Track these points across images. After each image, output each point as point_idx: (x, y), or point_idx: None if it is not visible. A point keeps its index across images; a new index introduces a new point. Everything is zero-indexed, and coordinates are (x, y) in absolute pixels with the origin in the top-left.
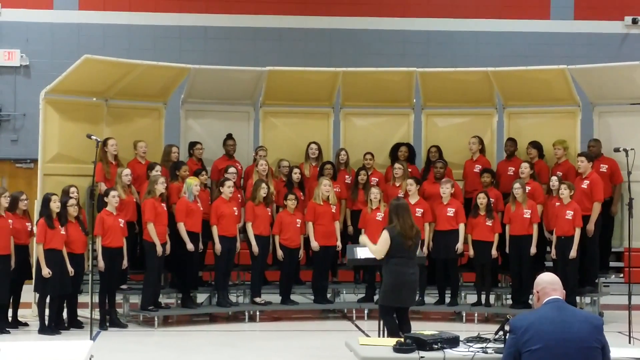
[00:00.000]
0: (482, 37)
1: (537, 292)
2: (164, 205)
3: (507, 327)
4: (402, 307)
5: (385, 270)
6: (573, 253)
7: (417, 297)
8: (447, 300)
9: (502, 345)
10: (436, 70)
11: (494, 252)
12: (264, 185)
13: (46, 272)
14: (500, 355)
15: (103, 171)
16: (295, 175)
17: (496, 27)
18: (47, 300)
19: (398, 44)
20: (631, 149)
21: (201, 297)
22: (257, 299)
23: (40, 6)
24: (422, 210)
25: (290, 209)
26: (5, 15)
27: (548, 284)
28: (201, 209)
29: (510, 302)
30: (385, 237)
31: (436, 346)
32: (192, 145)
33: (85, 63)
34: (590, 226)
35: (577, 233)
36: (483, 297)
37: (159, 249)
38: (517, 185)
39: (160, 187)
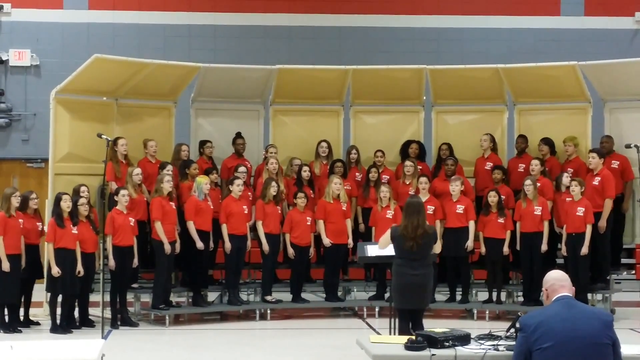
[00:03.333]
0: (492, 34)
1: (546, 289)
2: (172, 203)
3: (517, 325)
4: (414, 309)
5: (392, 271)
6: (585, 250)
7: (427, 300)
8: (458, 297)
9: (513, 343)
10: (446, 68)
11: (505, 249)
12: (273, 183)
13: (55, 271)
14: (512, 353)
15: (114, 170)
16: (305, 173)
17: (506, 23)
18: (59, 299)
19: (408, 41)
20: None
21: (212, 296)
22: (268, 297)
23: (50, 6)
24: (433, 208)
25: (300, 207)
26: (16, 15)
27: (557, 281)
28: (211, 207)
29: (521, 299)
30: (386, 235)
31: (447, 344)
32: (203, 143)
33: (95, 62)
34: (602, 223)
35: (589, 230)
36: (494, 294)
37: (167, 248)
38: (528, 182)
39: (167, 186)
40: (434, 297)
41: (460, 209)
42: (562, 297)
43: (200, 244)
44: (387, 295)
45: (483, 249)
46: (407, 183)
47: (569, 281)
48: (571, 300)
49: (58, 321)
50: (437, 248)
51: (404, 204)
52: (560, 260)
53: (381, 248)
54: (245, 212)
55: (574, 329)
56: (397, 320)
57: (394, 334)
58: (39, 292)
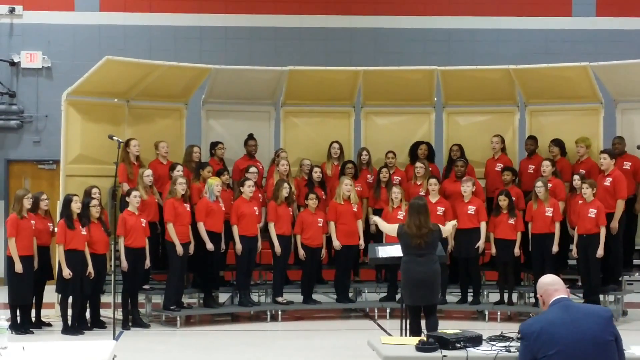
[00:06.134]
0: (504, 35)
1: (540, 296)
2: (186, 205)
3: (519, 333)
4: (425, 305)
5: (400, 269)
6: (600, 252)
7: (436, 295)
8: (470, 299)
9: None
10: (457, 69)
11: (516, 250)
12: (285, 185)
13: (66, 273)
14: None
15: (126, 171)
16: (316, 175)
17: (517, 24)
18: (70, 300)
19: (419, 42)
20: None
21: (223, 297)
22: (279, 299)
23: (62, 8)
24: (443, 209)
25: (312, 209)
26: (27, 17)
27: (549, 285)
28: (223, 209)
29: (533, 300)
30: (393, 226)
31: (459, 345)
32: (214, 145)
33: (107, 64)
34: (614, 224)
35: (602, 231)
36: (506, 295)
37: (179, 249)
38: (539, 183)
39: (179, 188)
40: (445, 298)
41: (471, 209)
42: (558, 299)
43: (210, 245)
44: (398, 296)
45: (494, 250)
46: (418, 184)
47: (562, 283)
48: (568, 302)
49: (69, 322)
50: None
51: None
52: (572, 262)
53: (384, 229)
54: (256, 213)
55: (577, 331)
56: (408, 318)
57: (405, 335)
58: (51, 293)
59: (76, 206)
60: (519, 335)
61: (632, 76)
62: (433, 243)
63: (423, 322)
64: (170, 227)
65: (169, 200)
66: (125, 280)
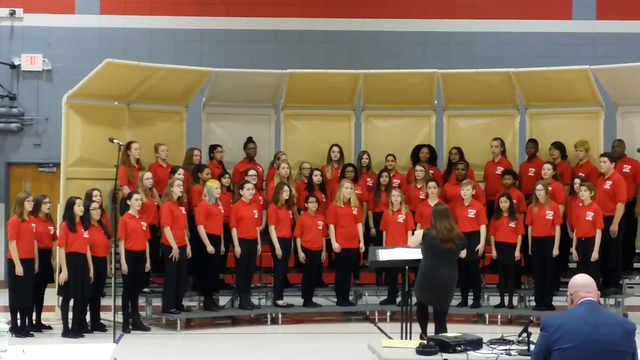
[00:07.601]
0: (504, 38)
1: (570, 294)
2: (182, 208)
3: (541, 324)
4: (435, 309)
5: (418, 270)
6: (595, 255)
7: (449, 302)
8: (470, 302)
9: (525, 347)
10: (457, 72)
11: (517, 253)
12: (286, 187)
13: (64, 277)
14: (523, 357)
15: (127, 174)
16: (316, 178)
17: (518, 27)
18: (70, 303)
19: (419, 45)
20: None
21: (223, 300)
22: (279, 302)
23: (62, 11)
24: None
25: (312, 212)
26: (28, 20)
27: (581, 287)
28: (222, 211)
29: (533, 303)
30: (417, 236)
31: (459, 348)
32: (213, 148)
33: (107, 67)
34: (614, 227)
35: (598, 234)
36: (506, 298)
37: (175, 252)
38: (539, 186)
39: (176, 190)
40: None
41: (471, 213)
42: (587, 301)
43: (210, 248)
44: (398, 299)
45: (494, 254)
46: (418, 187)
47: (594, 286)
48: (595, 305)
49: (70, 325)
50: (462, 253)
51: (416, 210)
52: (572, 265)
53: (412, 247)
54: (256, 216)
55: (595, 333)
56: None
57: (406, 338)
58: (51, 296)
59: (79, 209)
60: (541, 326)
61: (633, 79)
62: (460, 249)
63: (430, 326)
64: (167, 231)
65: (166, 204)
66: (126, 283)
